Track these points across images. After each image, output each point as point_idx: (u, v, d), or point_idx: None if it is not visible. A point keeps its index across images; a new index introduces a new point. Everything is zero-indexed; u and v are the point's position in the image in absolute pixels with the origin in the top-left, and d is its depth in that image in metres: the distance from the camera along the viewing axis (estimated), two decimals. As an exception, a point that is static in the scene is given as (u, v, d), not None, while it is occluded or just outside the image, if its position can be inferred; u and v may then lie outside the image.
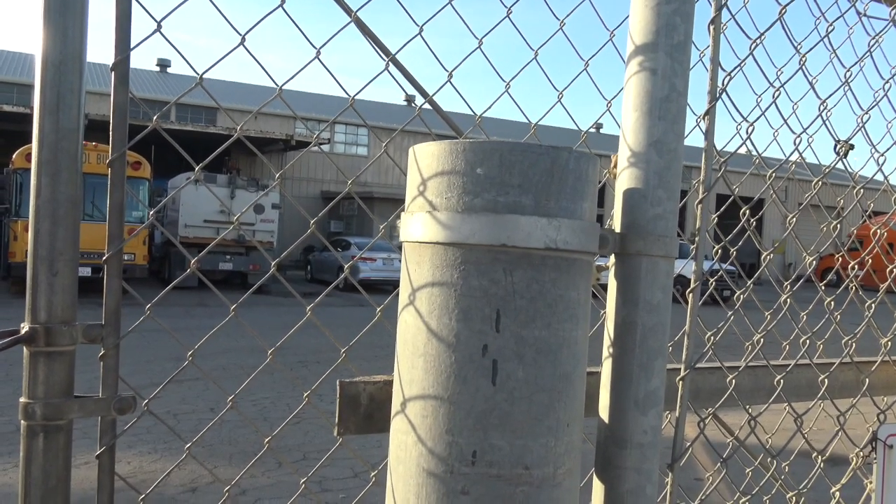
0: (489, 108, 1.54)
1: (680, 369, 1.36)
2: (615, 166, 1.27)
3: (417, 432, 1.03)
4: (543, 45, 1.59)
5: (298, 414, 6.62)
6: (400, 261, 1.14)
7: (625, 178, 1.23)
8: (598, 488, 1.23)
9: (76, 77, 1.12)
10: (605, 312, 1.26)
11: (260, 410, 7.22)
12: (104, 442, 1.16)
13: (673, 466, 1.34)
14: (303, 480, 1.39)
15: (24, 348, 1.10)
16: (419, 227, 1.04)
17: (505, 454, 1.00)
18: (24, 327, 1.09)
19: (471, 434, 0.99)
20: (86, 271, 13.92)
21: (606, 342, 1.23)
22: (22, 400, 1.10)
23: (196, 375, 8.07)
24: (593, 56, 1.64)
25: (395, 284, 1.15)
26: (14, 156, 15.80)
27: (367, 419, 1.31)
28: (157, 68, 35.45)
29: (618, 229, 1.21)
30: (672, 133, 1.20)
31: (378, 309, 1.48)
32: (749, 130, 1.61)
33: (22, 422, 1.10)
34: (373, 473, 1.44)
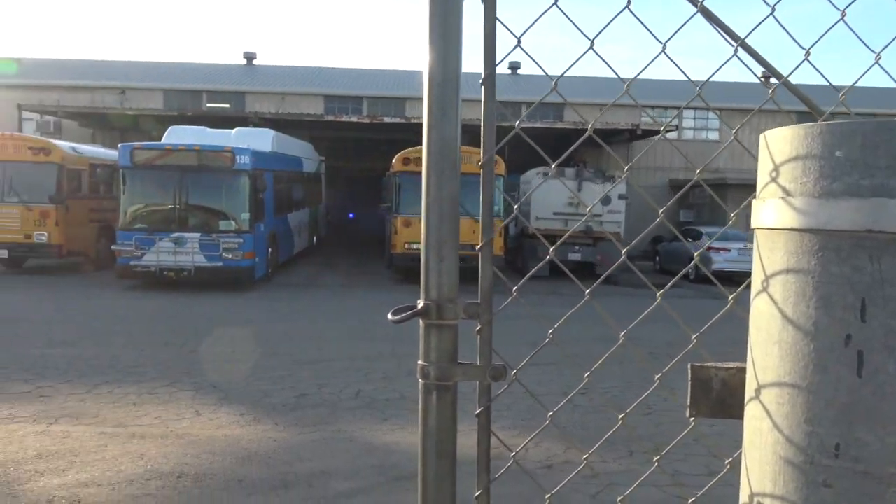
0: (856, 82, 1.42)
1: None
2: None
3: (773, 419, 1.02)
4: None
5: (649, 405, 6.56)
6: None
7: None
8: None
9: (454, 94, 1.33)
10: None
11: (609, 399, 7.37)
12: (482, 403, 1.36)
13: None
14: (656, 458, 1.45)
15: (420, 321, 1.34)
16: (772, 213, 1.02)
17: (874, 451, 0.94)
18: (420, 303, 1.33)
19: (832, 426, 0.96)
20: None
21: None
22: (419, 363, 1.34)
23: (550, 360, 8.53)
24: None
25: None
26: (394, 161, 18.07)
27: (719, 403, 1.31)
28: (509, 71, 37.89)
29: None
30: None
31: (730, 297, 1.47)
32: None
33: (420, 381, 1.34)
34: (727, 461, 1.44)
